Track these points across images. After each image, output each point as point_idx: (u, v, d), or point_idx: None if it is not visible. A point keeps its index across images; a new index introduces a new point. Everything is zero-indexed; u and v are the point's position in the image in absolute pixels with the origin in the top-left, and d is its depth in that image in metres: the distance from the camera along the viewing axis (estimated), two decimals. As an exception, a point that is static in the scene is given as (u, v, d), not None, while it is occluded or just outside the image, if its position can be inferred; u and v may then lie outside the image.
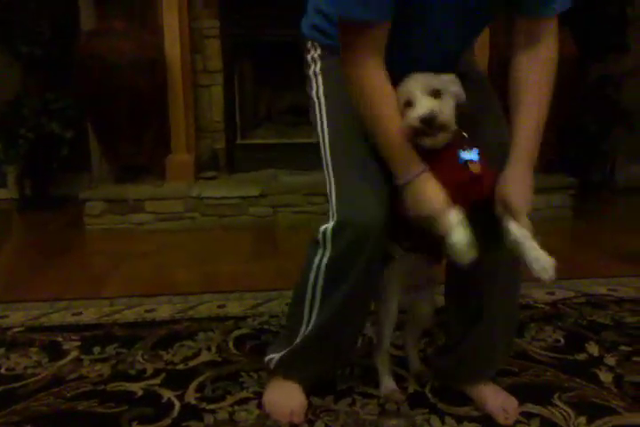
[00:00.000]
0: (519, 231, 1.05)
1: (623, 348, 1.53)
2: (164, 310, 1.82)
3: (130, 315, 1.79)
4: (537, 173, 3.17)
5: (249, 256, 2.45)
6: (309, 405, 1.26)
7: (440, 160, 1.07)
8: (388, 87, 1.07)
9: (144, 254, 2.49)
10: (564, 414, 1.23)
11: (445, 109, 1.04)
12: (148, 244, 2.67)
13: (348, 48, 1.06)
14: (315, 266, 1.16)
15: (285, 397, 1.26)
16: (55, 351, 1.54)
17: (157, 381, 1.37)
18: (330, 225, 1.12)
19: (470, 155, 1.08)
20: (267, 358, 1.30)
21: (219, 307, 1.84)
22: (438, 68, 1.09)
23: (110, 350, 1.54)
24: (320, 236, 1.14)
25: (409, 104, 1.05)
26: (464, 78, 1.12)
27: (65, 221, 3.03)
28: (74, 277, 2.21)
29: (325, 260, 1.14)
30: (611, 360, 1.47)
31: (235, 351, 1.53)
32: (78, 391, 1.33)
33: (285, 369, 1.28)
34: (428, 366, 1.41)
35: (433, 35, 1.11)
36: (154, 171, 3.09)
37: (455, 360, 1.31)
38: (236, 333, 1.64)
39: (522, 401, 1.27)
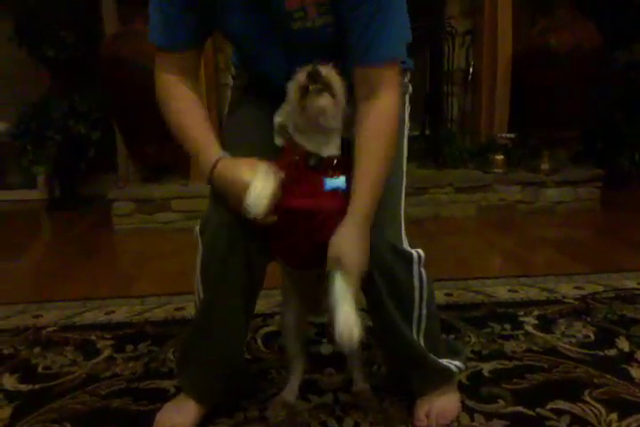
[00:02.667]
0: (340, 290, 1.00)
1: (655, 343, 1.52)
2: (193, 308, 1.84)
3: (160, 313, 1.82)
4: (564, 164, 3.12)
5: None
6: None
7: (302, 181, 1.06)
8: (191, 98, 1.16)
9: (172, 253, 2.53)
10: (595, 411, 1.22)
11: (333, 73, 1.03)
12: (176, 242, 2.70)
13: (156, 71, 1.17)
14: (197, 266, 1.20)
15: (175, 411, 1.22)
16: (89, 350, 1.58)
17: (189, 379, 1.39)
18: (197, 226, 1.18)
19: (336, 183, 1.06)
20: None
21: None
22: None
23: (142, 348, 1.58)
24: (194, 237, 1.19)
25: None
26: None
27: (93, 221, 3.09)
28: (104, 276, 2.25)
29: (199, 258, 1.19)
30: (642, 356, 1.45)
31: (263, 349, 1.55)
32: (112, 389, 1.36)
33: (178, 371, 1.31)
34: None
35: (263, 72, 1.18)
36: (179, 170, 3.13)
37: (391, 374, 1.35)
38: (264, 330, 1.66)
39: (553, 398, 1.27)
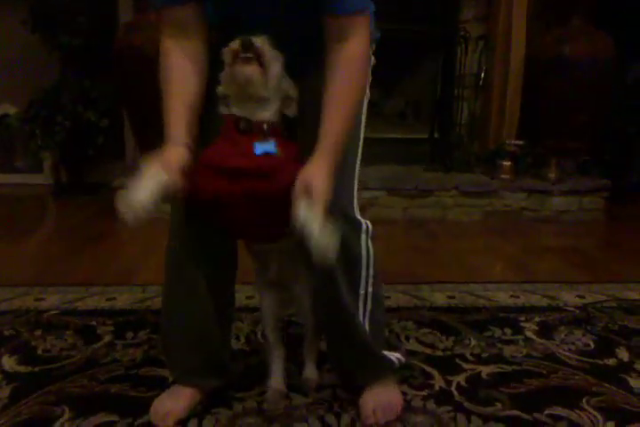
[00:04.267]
0: (308, 214, 0.98)
1: (654, 354, 1.52)
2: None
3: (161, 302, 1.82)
4: (571, 174, 3.12)
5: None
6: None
7: (232, 143, 1.09)
8: (183, 68, 1.13)
9: (175, 243, 2.52)
10: (592, 418, 1.22)
11: (267, 45, 1.06)
12: (179, 233, 2.70)
13: (161, 26, 1.15)
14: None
15: (169, 398, 1.24)
16: (90, 335, 1.58)
17: (188, 368, 1.40)
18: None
19: (265, 147, 1.08)
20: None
21: (247, 298, 1.86)
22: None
23: (142, 335, 1.58)
24: None
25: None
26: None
27: (99, 208, 3.09)
28: (107, 263, 2.26)
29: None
30: (641, 366, 1.45)
31: (263, 342, 1.55)
32: (111, 375, 1.37)
33: (166, 360, 1.33)
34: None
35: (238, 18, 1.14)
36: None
37: (333, 360, 1.34)
38: (265, 324, 1.66)
39: (550, 404, 1.27)
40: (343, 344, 1.27)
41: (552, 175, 3.07)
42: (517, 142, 3.09)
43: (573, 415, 1.23)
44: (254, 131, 1.10)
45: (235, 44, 1.06)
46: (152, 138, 2.98)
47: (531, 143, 3.13)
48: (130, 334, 1.58)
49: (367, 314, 1.23)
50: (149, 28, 2.79)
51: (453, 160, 3.19)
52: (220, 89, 1.13)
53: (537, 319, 1.74)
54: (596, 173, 3.25)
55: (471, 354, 1.51)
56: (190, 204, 1.15)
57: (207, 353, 1.27)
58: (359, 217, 1.19)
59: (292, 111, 1.15)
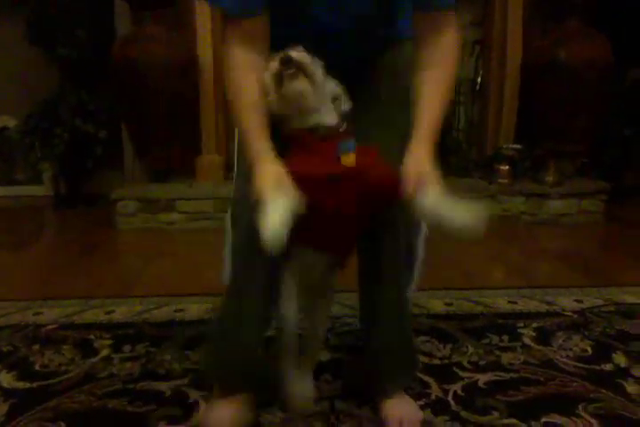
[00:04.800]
0: (434, 201, 1.00)
1: (652, 359, 1.51)
2: (193, 309, 1.86)
3: (160, 314, 1.83)
4: (569, 177, 3.11)
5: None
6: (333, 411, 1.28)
7: (315, 152, 1.07)
8: (253, 81, 1.10)
9: (174, 254, 2.54)
10: (589, 425, 1.22)
11: (305, 55, 1.05)
12: (179, 243, 2.72)
13: (225, 38, 1.13)
14: (228, 251, 1.25)
15: (223, 409, 1.22)
16: (87, 349, 1.58)
17: (185, 381, 1.40)
18: (228, 214, 1.20)
19: (348, 145, 1.07)
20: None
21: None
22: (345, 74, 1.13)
23: (140, 349, 1.58)
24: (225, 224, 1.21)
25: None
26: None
27: (98, 220, 3.11)
28: (106, 275, 2.26)
29: (228, 248, 1.22)
30: (638, 372, 1.44)
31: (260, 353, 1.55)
32: (109, 389, 1.37)
33: (207, 368, 1.30)
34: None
35: (319, 27, 1.14)
36: (185, 171, 3.15)
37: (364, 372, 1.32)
38: (263, 334, 1.66)
39: (547, 411, 1.27)
40: (392, 344, 1.26)
41: (550, 179, 3.07)
42: (515, 146, 3.09)
43: (570, 423, 1.23)
44: (332, 135, 1.09)
45: (274, 65, 1.05)
46: (150, 149, 3.02)
47: (528, 147, 3.13)
48: (127, 348, 1.59)
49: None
50: (146, 41, 2.82)
51: (451, 165, 3.20)
52: (274, 110, 1.10)
53: (535, 325, 1.73)
54: (595, 176, 3.25)
55: (469, 362, 1.50)
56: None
57: (251, 360, 1.26)
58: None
59: (346, 106, 1.13)
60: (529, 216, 3.04)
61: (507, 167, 3.07)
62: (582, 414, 1.26)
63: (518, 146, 3.09)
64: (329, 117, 1.10)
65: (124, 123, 3.11)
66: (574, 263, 2.37)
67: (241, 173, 1.23)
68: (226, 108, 3.19)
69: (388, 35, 1.27)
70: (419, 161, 1.06)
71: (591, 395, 1.34)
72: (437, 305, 1.90)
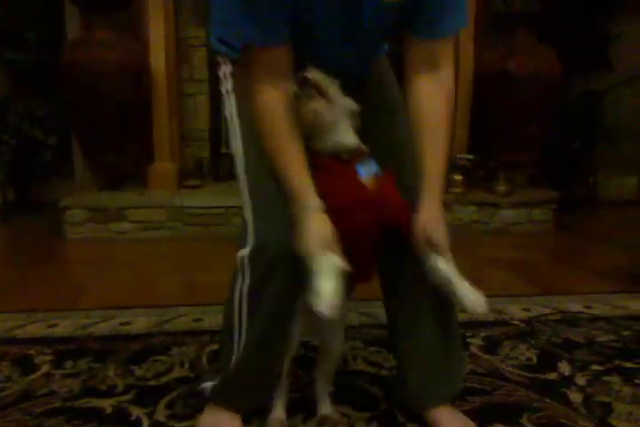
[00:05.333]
0: (447, 268, 1.07)
1: (594, 367, 1.54)
2: (140, 322, 1.81)
3: (105, 328, 1.78)
4: (520, 186, 3.17)
5: (230, 266, 2.44)
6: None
7: (340, 177, 1.09)
8: (287, 118, 1.07)
9: (124, 264, 2.48)
10: (532, 435, 1.24)
11: (321, 77, 1.07)
12: (129, 253, 2.66)
13: (250, 76, 1.08)
14: (237, 294, 1.16)
15: (221, 424, 1.22)
16: (27, 365, 1.52)
17: (128, 397, 1.36)
18: (247, 251, 1.11)
19: (370, 168, 1.09)
20: (201, 387, 1.29)
21: (195, 320, 1.84)
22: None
23: (82, 364, 1.53)
24: (238, 263, 1.13)
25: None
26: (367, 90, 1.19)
27: (46, 229, 3.02)
28: (53, 287, 2.19)
29: (246, 287, 1.13)
30: (581, 380, 1.47)
31: (207, 367, 1.52)
32: (47, 408, 1.32)
33: (220, 397, 1.25)
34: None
35: (321, 52, 1.13)
36: (137, 179, 3.09)
37: (407, 384, 1.29)
38: (211, 347, 1.63)
39: (492, 421, 1.28)
40: (437, 362, 1.26)
41: (502, 188, 3.13)
42: (468, 156, 3.14)
43: (514, 433, 1.24)
44: (355, 157, 1.11)
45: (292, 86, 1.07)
46: (100, 156, 2.95)
47: (481, 157, 3.19)
48: (69, 364, 1.53)
49: None
50: (96, 46, 2.77)
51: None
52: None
53: (483, 334, 1.75)
54: (545, 186, 3.33)
55: (417, 373, 1.51)
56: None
57: (269, 393, 1.25)
58: None
59: (357, 123, 1.14)
60: (481, 225, 3.09)
61: (460, 177, 3.12)
62: (526, 423, 1.28)
63: (471, 156, 3.14)
64: (347, 136, 1.12)
65: (73, 129, 3.03)
66: (523, 272, 2.42)
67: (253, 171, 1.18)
68: (179, 114, 3.16)
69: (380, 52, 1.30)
70: (429, 220, 1.08)
71: (535, 404, 1.36)
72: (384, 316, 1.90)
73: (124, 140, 2.94)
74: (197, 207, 2.89)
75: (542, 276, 2.40)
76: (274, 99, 1.07)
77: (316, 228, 1.02)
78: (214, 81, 3.25)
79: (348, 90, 1.15)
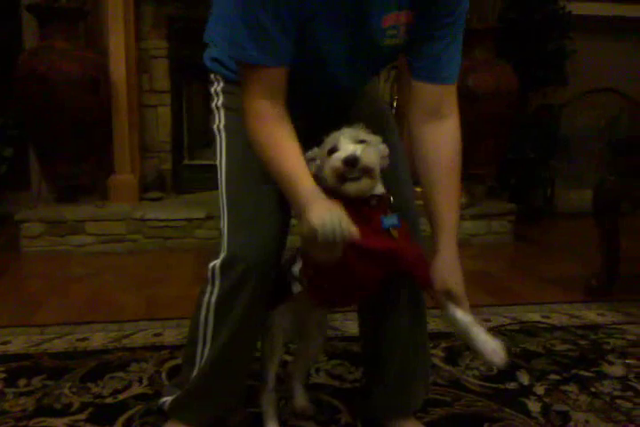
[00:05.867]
0: (465, 319, 1.06)
1: (552, 376, 1.57)
2: (98, 338, 1.77)
3: (61, 344, 1.73)
4: (480, 199, 3.22)
5: (191, 280, 2.41)
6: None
7: (365, 224, 1.02)
8: (286, 138, 1.04)
9: (82, 278, 2.43)
10: (492, 445, 1.25)
11: (369, 154, 1.03)
12: (88, 267, 2.60)
13: (245, 92, 1.05)
14: (204, 305, 1.14)
15: None
16: (-23, 384, 1.47)
17: (83, 416, 1.33)
18: (218, 261, 1.10)
19: (392, 220, 1.07)
20: (161, 401, 1.27)
21: (155, 335, 1.80)
22: (333, 105, 1.16)
23: (36, 382, 1.49)
24: (209, 273, 1.12)
25: (333, 151, 1.04)
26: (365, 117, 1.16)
27: (1, 242, 2.92)
28: (6, 302, 2.13)
29: (214, 298, 1.12)
30: (540, 389, 1.50)
31: (167, 383, 1.49)
32: (-2, 428, 1.28)
33: (179, 412, 1.23)
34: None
35: (325, 79, 1.13)
36: (96, 191, 3.03)
37: (374, 395, 1.30)
38: (171, 363, 1.60)
39: (452, 432, 1.29)
40: (407, 373, 1.26)
41: (462, 200, 3.17)
42: (428, 169, 3.18)
43: (474, 443, 1.25)
44: (381, 206, 1.07)
45: (337, 162, 1.01)
46: (56, 167, 2.89)
47: (442, 169, 3.23)
48: (23, 381, 1.49)
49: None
50: (53, 55, 2.72)
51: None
52: (312, 170, 1.05)
53: (444, 345, 1.77)
54: (504, 198, 3.40)
55: (379, 385, 1.51)
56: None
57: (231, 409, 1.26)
58: None
59: (385, 163, 1.10)
60: (442, 236, 3.12)
61: (421, 189, 3.15)
62: (486, 433, 1.29)
63: (432, 168, 3.18)
64: (378, 186, 1.08)
65: (30, 140, 2.96)
66: (484, 283, 2.45)
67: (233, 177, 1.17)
68: (140, 126, 3.12)
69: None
70: (450, 268, 1.09)
71: (495, 414, 1.38)
72: (351, 327, 1.91)
73: (82, 152, 2.89)
74: (158, 220, 2.85)
75: (501, 286, 2.44)
76: (268, 112, 1.04)
77: (322, 203, 0.94)
78: (176, 92, 3.25)
79: (344, 106, 1.17)
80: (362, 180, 1.03)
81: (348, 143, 1.04)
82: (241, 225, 1.12)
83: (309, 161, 1.07)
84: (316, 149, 1.08)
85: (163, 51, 3.13)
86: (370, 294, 1.15)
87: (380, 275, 1.07)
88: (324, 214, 0.89)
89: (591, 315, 2.07)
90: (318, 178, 1.05)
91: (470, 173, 3.22)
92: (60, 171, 2.88)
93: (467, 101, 3.05)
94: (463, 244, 3.05)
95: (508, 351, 1.69)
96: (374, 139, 1.08)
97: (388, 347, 1.25)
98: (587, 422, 1.35)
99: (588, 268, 2.36)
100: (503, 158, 3.32)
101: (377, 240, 1.03)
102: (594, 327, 1.94)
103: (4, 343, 1.73)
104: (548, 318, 2.03)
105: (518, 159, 3.44)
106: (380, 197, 1.07)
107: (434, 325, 1.94)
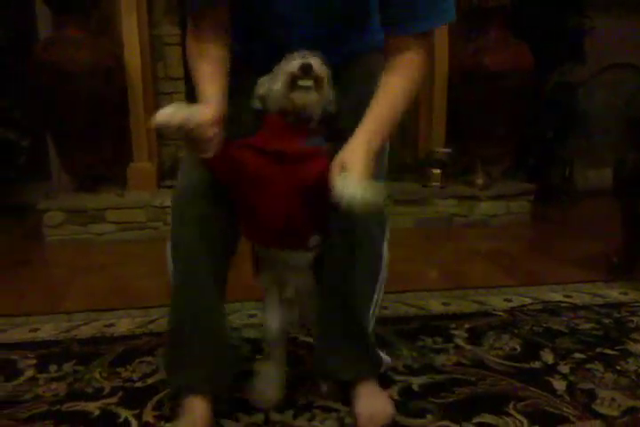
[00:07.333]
0: (345, 182, 0.97)
1: (577, 355, 1.57)
2: (124, 324, 1.80)
3: (88, 330, 1.76)
4: (497, 179, 3.21)
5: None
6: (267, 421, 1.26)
7: (279, 133, 1.10)
8: (215, 63, 1.13)
9: (104, 266, 2.46)
10: (518, 423, 1.25)
11: (322, 67, 1.09)
12: (109, 255, 2.63)
13: (189, 23, 1.17)
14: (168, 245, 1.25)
15: (189, 414, 1.22)
16: (10, 370, 1.51)
17: (115, 399, 1.35)
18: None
19: (315, 141, 1.10)
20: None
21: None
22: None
23: (67, 367, 1.52)
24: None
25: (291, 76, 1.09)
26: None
27: (23, 232, 2.97)
28: (31, 290, 2.16)
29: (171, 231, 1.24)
30: (564, 368, 1.50)
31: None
32: (33, 412, 1.30)
33: (168, 370, 1.30)
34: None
35: (282, 20, 1.17)
36: (115, 180, 3.06)
37: (322, 354, 1.33)
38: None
39: (478, 411, 1.30)
40: (345, 342, 1.28)
41: (479, 181, 3.16)
42: (445, 150, 3.16)
43: (501, 422, 1.26)
44: (302, 125, 1.11)
45: (293, 68, 1.07)
46: (75, 157, 2.91)
47: (459, 151, 3.22)
48: (54, 367, 1.52)
49: (374, 315, 1.30)
50: (68, 45, 2.72)
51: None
52: (261, 92, 1.14)
53: (467, 326, 1.77)
54: (521, 178, 3.37)
55: (403, 365, 1.52)
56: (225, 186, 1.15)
57: (221, 353, 1.26)
58: (385, 222, 1.26)
59: (332, 108, 1.15)
60: (460, 218, 3.11)
61: (438, 171, 3.14)
62: (512, 412, 1.30)
63: (448, 149, 3.16)
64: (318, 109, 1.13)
65: (48, 130, 2.98)
66: (504, 263, 2.45)
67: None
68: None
69: (358, 41, 1.27)
70: (348, 152, 1.04)
71: (520, 393, 1.38)
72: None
73: (99, 141, 2.91)
74: (177, 207, 2.86)
75: (522, 267, 2.43)
76: (207, 46, 1.14)
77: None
78: (189, 79, 3.24)
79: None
80: (311, 91, 1.08)
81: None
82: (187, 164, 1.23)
83: (260, 85, 1.14)
84: (266, 78, 1.14)
85: (176, 37, 3.12)
86: (295, 234, 1.15)
87: (284, 191, 1.08)
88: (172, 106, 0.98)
89: (614, 293, 2.06)
90: (265, 99, 1.13)
91: (487, 153, 3.20)
92: (79, 160, 2.90)
93: (482, 80, 3.03)
94: (481, 224, 3.08)
95: (532, 331, 1.71)
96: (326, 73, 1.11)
97: (322, 303, 1.28)
98: (612, 399, 1.35)
99: (609, 247, 2.34)
100: (520, 138, 3.29)
101: (280, 143, 1.08)
102: (617, 306, 1.93)
103: (34, 330, 1.76)
104: (570, 297, 2.02)
105: (536, 138, 3.40)
106: (301, 117, 1.10)
107: (455, 306, 1.95)
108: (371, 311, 1.29)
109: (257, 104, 1.15)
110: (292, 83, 1.07)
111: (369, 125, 1.09)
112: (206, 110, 1.04)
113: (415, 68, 1.15)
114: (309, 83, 1.07)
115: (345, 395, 1.33)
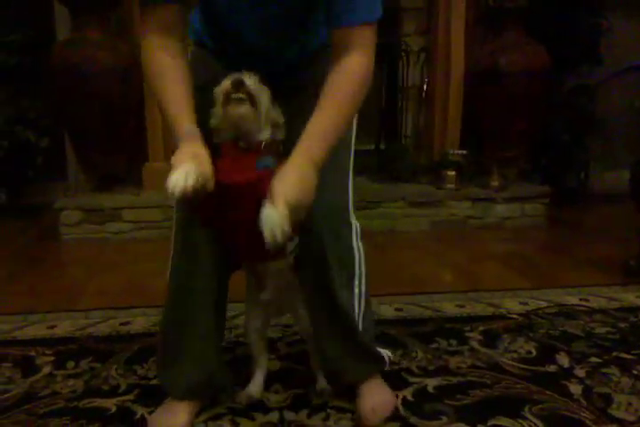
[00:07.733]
0: (269, 211, 0.98)
1: (593, 359, 1.56)
2: (139, 322, 1.81)
3: (104, 328, 1.77)
4: (513, 181, 3.19)
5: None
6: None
7: (234, 160, 1.12)
8: (171, 61, 1.13)
9: (120, 264, 2.48)
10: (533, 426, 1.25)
11: (256, 84, 1.11)
12: (125, 253, 2.65)
13: (141, 28, 1.17)
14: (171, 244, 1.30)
15: (167, 414, 1.24)
16: (28, 366, 1.52)
17: (131, 396, 1.37)
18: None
19: (265, 162, 1.12)
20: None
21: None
22: (266, 64, 1.19)
23: (84, 364, 1.53)
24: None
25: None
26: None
27: (41, 231, 3.00)
28: (49, 288, 2.19)
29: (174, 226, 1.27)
30: (580, 372, 1.49)
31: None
32: (51, 408, 1.32)
33: (159, 372, 1.32)
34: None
35: (236, 31, 1.21)
36: (132, 179, 3.08)
37: (319, 356, 1.34)
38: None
39: (494, 414, 1.29)
40: (337, 343, 1.28)
41: (495, 183, 3.15)
42: (460, 152, 3.15)
43: (516, 425, 1.26)
44: (253, 148, 1.13)
45: (226, 85, 1.11)
46: (92, 157, 2.94)
47: (474, 152, 3.20)
48: (71, 364, 1.54)
49: (361, 312, 1.28)
50: (86, 46, 2.75)
51: (400, 171, 3.24)
52: (213, 122, 1.16)
53: (481, 328, 1.77)
54: (537, 180, 3.35)
55: (417, 367, 1.52)
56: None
57: (211, 364, 1.27)
58: (353, 220, 1.27)
59: (280, 135, 1.18)
60: (475, 220, 3.10)
61: (453, 173, 3.13)
62: (528, 415, 1.29)
63: (464, 151, 3.15)
64: (264, 132, 1.15)
65: (65, 130, 3.02)
66: (519, 266, 2.44)
67: None
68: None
69: (310, 41, 1.29)
70: (279, 180, 1.02)
71: (535, 396, 1.37)
72: (387, 311, 1.92)
73: (116, 141, 2.93)
74: (192, 207, 2.88)
75: (537, 270, 2.42)
76: (161, 44, 1.14)
77: (190, 148, 1.06)
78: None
79: (274, 76, 1.17)
80: (245, 103, 1.10)
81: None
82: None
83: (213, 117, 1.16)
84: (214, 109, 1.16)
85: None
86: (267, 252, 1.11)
87: (246, 206, 1.07)
88: (174, 173, 0.98)
89: (630, 297, 2.04)
90: (217, 130, 1.16)
91: (503, 155, 3.19)
92: (96, 160, 2.93)
93: (498, 82, 3.02)
94: (496, 227, 3.07)
95: (547, 334, 1.70)
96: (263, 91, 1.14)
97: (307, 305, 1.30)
98: (629, 404, 1.34)
99: (626, 250, 2.33)
100: (536, 140, 3.27)
101: (237, 175, 1.09)
102: (633, 310, 1.91)
103: (51, 327, 1.78)
104: (586, 300, 2.01)
105: (552, 140, 3.38)
106: (261, 142, 1.14)
107: (470, 309, 1.94)
108: (356, 308, 1.27)
109: (215, 138, 1.17)
110: (227, 98, 1.11)
111: (309, 140, 1.08)
112: (204, 162, 1.04)
113: (356, 80, 1.14)
114: (242, 95, 1.10)
115: (350, 394, 1.33)
